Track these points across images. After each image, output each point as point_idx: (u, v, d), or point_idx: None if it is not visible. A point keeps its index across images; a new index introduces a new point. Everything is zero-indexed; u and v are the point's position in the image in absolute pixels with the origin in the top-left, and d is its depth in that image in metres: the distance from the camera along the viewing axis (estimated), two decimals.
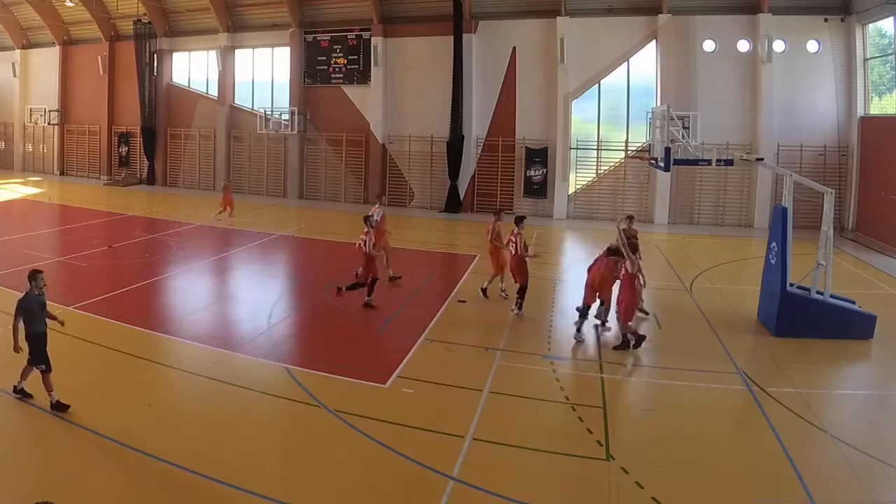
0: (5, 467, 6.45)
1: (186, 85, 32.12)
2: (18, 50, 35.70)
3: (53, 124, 34.57)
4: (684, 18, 23.13)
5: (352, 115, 27.82)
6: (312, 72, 28.54)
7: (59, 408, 7.52)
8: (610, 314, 11.26)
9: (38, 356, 7.60)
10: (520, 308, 11.92)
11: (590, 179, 25.18)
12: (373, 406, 8.09)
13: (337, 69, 28.08)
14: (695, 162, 12.67)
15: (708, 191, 23.64)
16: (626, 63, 24.26)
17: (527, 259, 12.08)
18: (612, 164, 24.86)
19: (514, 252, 12.05)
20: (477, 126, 25.70)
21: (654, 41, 23.66)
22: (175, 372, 9.18)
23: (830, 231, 11.10)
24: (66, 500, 5.68)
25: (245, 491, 6.16)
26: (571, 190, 25.13)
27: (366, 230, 12.29)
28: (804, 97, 22.44)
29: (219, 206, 22.21)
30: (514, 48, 25.07)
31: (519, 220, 12.24)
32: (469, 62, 25.24)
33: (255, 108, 29.90)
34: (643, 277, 10.82)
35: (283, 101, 29.09)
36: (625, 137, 24.68)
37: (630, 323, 10.28)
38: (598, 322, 11.31)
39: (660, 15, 23.25)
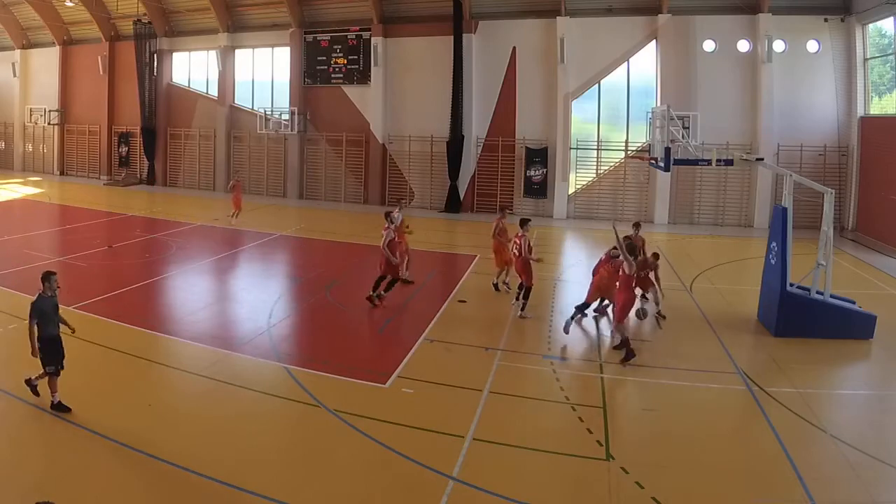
0: (5, 467, 6.45)
1: (186, 85, 32.12)
2: (18, 50, 35.71)
3: (53, 124, 34.59)
4: (684, 18, 23.13)
5: (352, 115, 27.82)
6: (312, 72, 28.54)
7: (59, 408, 7.52)
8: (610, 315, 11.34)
9: (51, 358, 7.51)
10: (522, 308, 11.97)
11: (590, 179, 25.19)
12: (373, 406, 8.09)
13: (337, 69, 28.08)
14: (695, 162, 12.68)
15: (708, 191, 23.64)
16: (626, 63, 24.27)
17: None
18: (612, 164, 24.86)
19: (518, 254, 12.11)
20: (477, 126, 25.70)
21: (654, 41, 23.67)
22: (175, 372, 9.18)
23: (830, 231, 11.10)
24: (66, 500, 5.68)
25: (245, 491, 6.16)
26: (571, 190, 25.13)
27: (386, 225, 12.41)
28: (804, 97, 22.44)
29: (231, 207, 21.76)
30: (514, 48, 25.07)
31: (524, 223, 12.34)
32: (469, 62, 25.24)
33: (255, 108, 29.90)
34: (659, 288, 11.08)
35: (283, 101, 29.09)
36: (625, 137, 24.68)
37: (623, 323, 10.25)
38: (596, 314, 11.38)
39: (660, 15, 23.26)
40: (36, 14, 33.13)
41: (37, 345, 7.48)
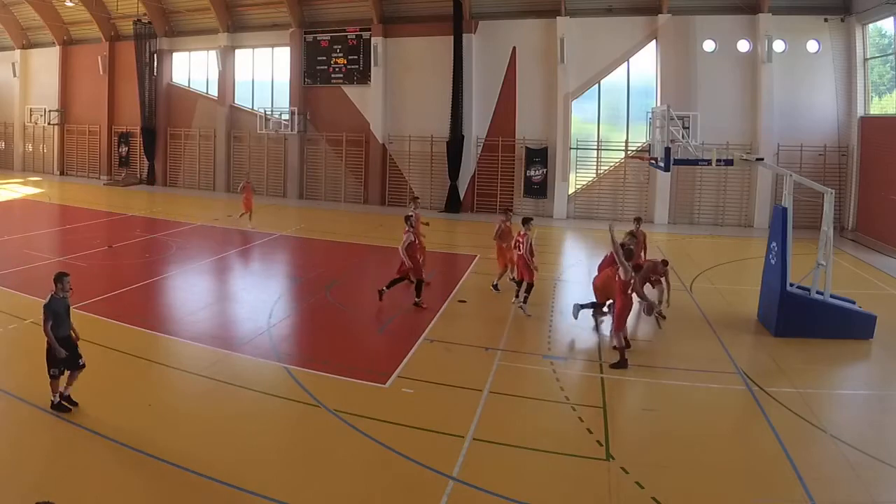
0: (5, 467, 6.45)
1: (186, 85, 32.12)
2: (18, 50, 35.71)
3: (53, 124, 34.59)
4: (684, 18, 23.14)
5: (352, 115, 27.82)
6: (312, 72, 28.54)
7: (59, 408, 7.52)
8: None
9: (59, 360, 7.49)
10: (524, 301, 12.01)
11: (590, 179, 25.19)
12: (373, 406, 8.09)
13: (337, 69, 28.08)
14: (695, 162, 12.68)
15: (708, 191, 23.64)
16: (626, 63, 24.27)
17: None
18: (612, 164, 24.87)
19: (520, 252, 12.19)
20: (477, 126, 25.70)
21: (654, 41, 23.67)
22: (175, 372, 9.18)
23: (830, 231, 11.10)
24: (66, 500, 5.67)
25: (245, 491, 6.16)
26: (571, 190, 25.14)
27: (406, 229, 12.51)
28: (804, 97, 22.44)
29: (241, 207, 21.36)
30: (514, 48, 25.08)
31: (526, 222, 12.45)
32: (469, 62, 25.24)
33: (255, 108, 29.90)
34: (669, 295, 11.30)
35: (283, 101, 29.10)
36: (625, 137, 24.68)
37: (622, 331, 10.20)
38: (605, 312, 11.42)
39: (660, 15, 23.26)
40: (36, 14, 33.13)
41: (57, 345, 7.41)
